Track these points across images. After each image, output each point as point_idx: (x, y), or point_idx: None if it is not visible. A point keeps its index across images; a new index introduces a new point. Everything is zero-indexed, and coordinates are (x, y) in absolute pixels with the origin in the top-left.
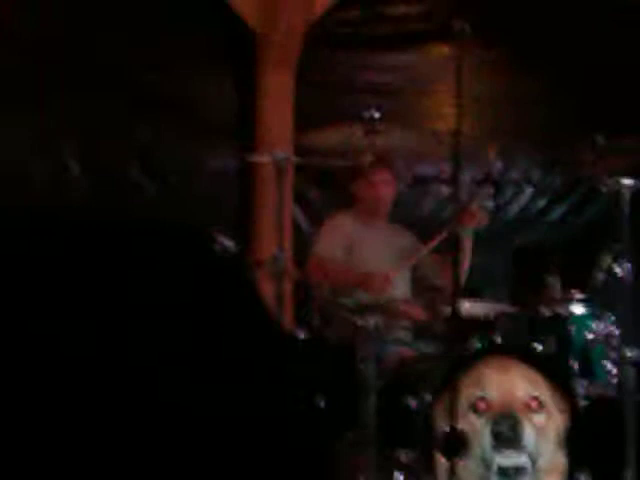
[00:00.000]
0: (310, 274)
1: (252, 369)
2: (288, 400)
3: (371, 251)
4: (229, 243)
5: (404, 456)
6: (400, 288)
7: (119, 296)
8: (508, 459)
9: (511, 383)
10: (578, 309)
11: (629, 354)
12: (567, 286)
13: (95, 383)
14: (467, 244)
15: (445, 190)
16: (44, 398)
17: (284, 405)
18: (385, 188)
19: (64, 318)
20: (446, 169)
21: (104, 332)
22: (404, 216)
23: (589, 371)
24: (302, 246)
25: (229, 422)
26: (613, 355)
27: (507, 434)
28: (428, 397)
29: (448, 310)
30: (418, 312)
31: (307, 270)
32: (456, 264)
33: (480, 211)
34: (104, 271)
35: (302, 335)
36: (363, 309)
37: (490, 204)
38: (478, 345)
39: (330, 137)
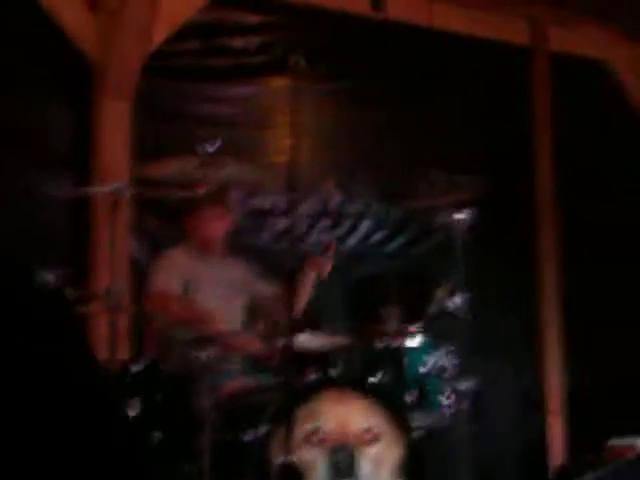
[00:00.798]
0: (148, 307)
1: (70, 405)
2: (118, 434)
3: (206, 285)
4: (48, 276)
5: None
6: (235, 320)
7: None
8: None
9: (347, 415)
10: (414, 341)
11: (463, 386)
12: (403, 318)
13: None
14: (308, 280)
15: (282, 222)
16: None
17: (114, 439)
18: (215, 225)
19: None
20: (283, 201)
21: None
22: (241, 248)
23: (424, 403)
24: (140, 279)
25: (55, 460)
26: (448, 387)
27: (343, 465)
28: (264, 430)
29: (284, 342)
30: (254, 344)
31: (145, 303)
32: (292, 297)
33: (325, 260)
34: None
35: (137, 368)
36: (198, 342)
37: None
38: (314, 378)
39: (168, 169)
